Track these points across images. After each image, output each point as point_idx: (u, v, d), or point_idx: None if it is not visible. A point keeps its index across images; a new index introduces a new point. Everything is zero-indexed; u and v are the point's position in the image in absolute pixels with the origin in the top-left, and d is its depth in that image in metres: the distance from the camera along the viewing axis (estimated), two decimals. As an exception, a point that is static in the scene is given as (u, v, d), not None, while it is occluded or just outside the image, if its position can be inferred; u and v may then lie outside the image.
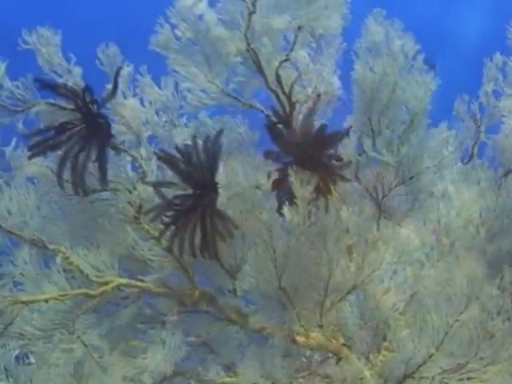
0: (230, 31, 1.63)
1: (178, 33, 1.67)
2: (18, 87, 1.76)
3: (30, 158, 1.76)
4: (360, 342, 1.85)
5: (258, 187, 1.65)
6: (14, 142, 1.84)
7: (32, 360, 2.24)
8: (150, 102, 1.89)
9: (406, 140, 1.74)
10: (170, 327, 1.88)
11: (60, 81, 1.77)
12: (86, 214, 1.85)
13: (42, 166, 1.81)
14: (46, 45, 1.70)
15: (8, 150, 1.83)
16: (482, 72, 1.90)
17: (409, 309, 1.80)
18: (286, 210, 1.68)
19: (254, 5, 1.56)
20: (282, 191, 1.71)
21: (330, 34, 1.64)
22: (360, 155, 1.81)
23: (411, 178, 1.78)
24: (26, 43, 1.74)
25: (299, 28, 1.62)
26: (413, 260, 1.78)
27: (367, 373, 1.80)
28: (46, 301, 1.78)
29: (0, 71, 1.70)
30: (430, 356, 1.72)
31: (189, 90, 1.74)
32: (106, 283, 1.81)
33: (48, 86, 1.74)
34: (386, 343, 1.84)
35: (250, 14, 1.59)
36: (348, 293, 1.78)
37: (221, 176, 1.72)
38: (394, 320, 1.79)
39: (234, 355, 1.94)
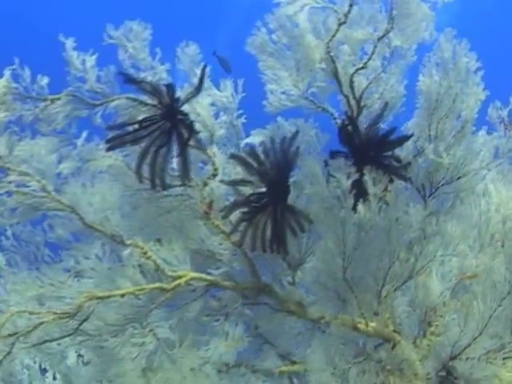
0: (318, 39, 1.79)
1: (275, 37, 1.80)
2: (98, 81, 1.80)
3: (108, 150, 1.81)
4: (408, 328, 2.07)
5: (338, 186, 1.81)
6: (85, 135, 1.87)
7: (72, 359, 2.26)
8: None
9: (458, 144, 1.98)
10: (234, 319, 2.00)
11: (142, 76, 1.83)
12: (156, 209, 1.92)
13: (116, 160, 1.85)
14: (134, 39, 1.75)
15: (80, 142, 1.86)
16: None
17: (454, 296, 2.04)
18: (360, 206, 1.86)
19: (346, 16, 1.73)
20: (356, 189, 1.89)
21: (404, 47, 1.84)
22: (415, 157, 2.02)
23: (459, 178, 2.03)
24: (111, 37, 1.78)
25: (379, 39, 1.81)
26: (458, 251, 2.02)
27: (416, 357, 2.03)
28: (122, 296, 1.83)
29: (88, 63, 1.73)
30: (475, 338, 1.98)
31: (271, 92, 1.86)
32: (180, 277, 1.89)
33: (132, 81, 1.80)
34: (431, 328, 2.07)
35: (340, 24, 1.75)
36: (404, 282, 2.00)
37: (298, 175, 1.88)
38: (441, 306, 2.03)
39: (290, 345, 2.09)
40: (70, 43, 1.76)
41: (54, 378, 2.40)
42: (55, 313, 1.76)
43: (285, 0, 1.72)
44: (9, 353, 1.77)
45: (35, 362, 2.36)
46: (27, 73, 1.75)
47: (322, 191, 1.84)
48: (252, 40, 1.83)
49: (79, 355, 2.30)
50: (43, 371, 2.38)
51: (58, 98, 1.79)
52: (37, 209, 1.76)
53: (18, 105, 1.77)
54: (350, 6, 1.74)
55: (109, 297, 1.83)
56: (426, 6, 1.76)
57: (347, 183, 1.83)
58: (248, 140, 2.09)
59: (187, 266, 1.92)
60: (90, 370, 2.14)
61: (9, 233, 1.94)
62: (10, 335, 1.75)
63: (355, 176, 1.84)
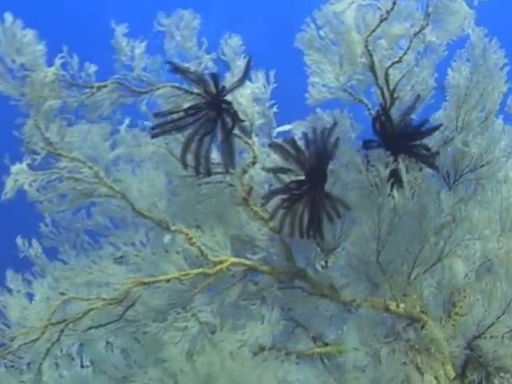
0: (360, 35, 1.84)
1: (322, 33, 1.84)
2: (144, 69, 1.80)
3: (153, 137, 1.82)
4: (434, 309, 2.15)
5: (376, 175, 1.87)
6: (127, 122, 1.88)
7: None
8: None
9: (482, 134, 2.06)
10: (270, 303, 2.03)
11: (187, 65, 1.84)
12: (196, 196, 1.94)
13: (160, 147, 1.86)
14: (184, 28, 1.76)
15: (122, 129, 1.86)
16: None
17: (478, 277, 2.13)
18: (395, 193, 1.92)
19: (388, 13, 1.79)
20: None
21: (437, 42, 1.91)
22: (441, 146, 2.09)
23: (482, 166, 2.11)
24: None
25: (415, 35, 1.87)
26: (482, 235, 2.11)
27: (441, 336, 2.10)
28: (168, 281, 1.85)
29: (137, 50, 1.73)
30: (499, 317, 2.06)
31: (312, 85, 1.91)
32: (221, 262, 1.92)
33: (179, 70, 1.81)
34: (456, 309, 2.15)
35: (382, 20, 1.81)
36: (433, 265, 2.07)
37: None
38: (466, 288, 2.11)
39: (323, 327, 2.13)
40: (120, 30, 1.76)
41: (82, 366, 2.38)
42: (104, 299, 1.77)
43: (334, -3, 1.79)
44: (57, 340, 1.76)
45: (61, 350, 2.33)
46: (75, 60, 1.74)
47: (362, 179, 1.90)
48: (301, 36, 1.89)
49: (107, 342, 2.29)
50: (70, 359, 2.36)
51: (105, 86, 1.79)
52: (88, 195, 1.76)
53: (64, 92, 1.76)
54: (394, 3, 1.80)
55: (155, 282, 1.84)
56: (465, 4, 1.83)
57: (386, 172, 1.89)
58: (279, 129, 2.13)
59: (228, 251, 1.94)
60: (120, 356, 2.14)
61: (48, 220, 1.93)
62: (59, 322, 1.74)
63: (393, 165, 1.90)
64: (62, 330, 1.74)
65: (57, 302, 1.71)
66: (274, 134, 2.14)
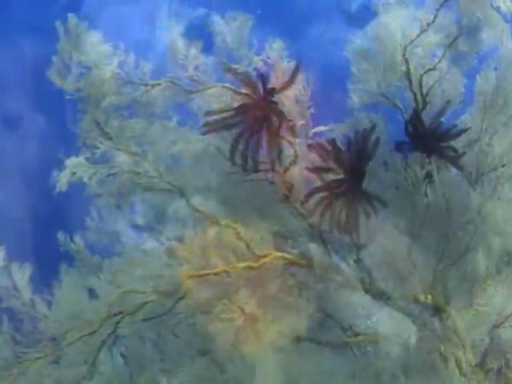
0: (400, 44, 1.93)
1: (370, 44, 1.92)
2: (196, 69, 1.83)
3: (203, 134, 1.85)
4: (457, 300, 2.24)
5: (413, 175, 1.96)
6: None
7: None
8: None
9: (504, 136, 2.17)
10: (306, 295, 2.09)
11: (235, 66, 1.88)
12: (240, 192, 1.98)
13: (209, 144, 1.89)
14: (237, 28, 1.80)
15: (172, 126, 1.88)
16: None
17: (498, 270, 2.23)
18: (429, 191, 2.01)
19: (428, 25, 1.88)
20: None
21: (469, 52, 2.01)
22: (466, 147, 2.19)
23: (503, 165, 2.22)
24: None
25: (449, 45, 1.97)
26: (503, 231, 2.21)
27: (463, 326, 2.20)
28: (216, 274, 1.88)
29: (193, 50, 1.76)
30: (518, 308, 2.18)
31: (354, 91, 1.97)
32: (265, 256, 1.96)
33: (230, 71, 1.84)
34: (477, 300, 2.25)
35: (422, 32, 1.90)
36: (458, 259, 2.16)
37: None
38: (486, 280, 2.21)
39: (354, 318, 2.20)
40: (176, 29, 1.78)
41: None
42: (159, 292, 1.79)
43: (382, 10, 1.85)
44: (113, 332, 1.77)
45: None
46: (131, 58, 1.76)
47: (399, 178, 1.98)
48: (352, 46, 1.95)
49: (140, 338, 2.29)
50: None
51: (159, 84, 1.81)
52: (147, 189, 1.77)
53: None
54: (435, 16, 1.88)
55: (204, 275, 1.87)
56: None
57: (422, 173, 1.98)
58: (315, 130, 2.18)
59: (271, 245, 1.99)
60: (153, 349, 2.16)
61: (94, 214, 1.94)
62: (115, 314, 1.75)
63: (429, 167, 1.99)
64: (118, 323, 1.75)
65: (115, 295, 1.72)
66: (311, 135, 2.20)
